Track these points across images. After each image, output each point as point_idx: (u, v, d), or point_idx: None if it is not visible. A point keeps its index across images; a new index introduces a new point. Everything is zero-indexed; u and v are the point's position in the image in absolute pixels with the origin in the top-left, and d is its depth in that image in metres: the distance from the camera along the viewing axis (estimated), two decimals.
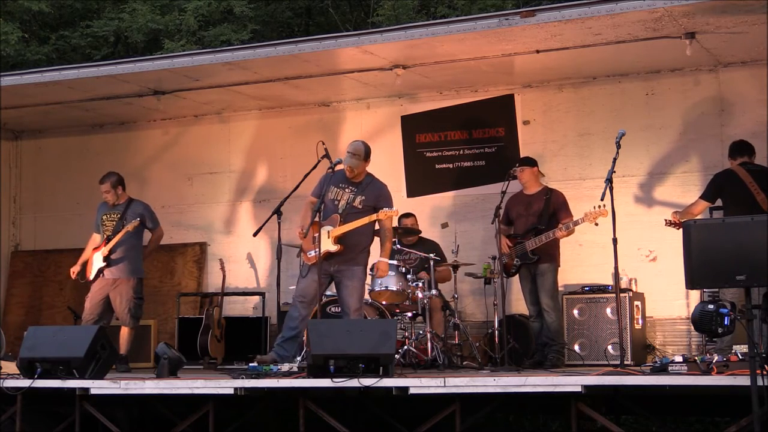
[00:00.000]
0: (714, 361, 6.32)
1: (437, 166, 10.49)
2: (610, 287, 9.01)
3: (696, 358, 6.57)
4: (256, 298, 10.72)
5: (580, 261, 9.55)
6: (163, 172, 11.52)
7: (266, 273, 10.90)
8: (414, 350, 8.67)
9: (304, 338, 7.69)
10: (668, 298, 9.34)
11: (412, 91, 10.40)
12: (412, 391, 6.84)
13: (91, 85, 9.97)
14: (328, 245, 7.87)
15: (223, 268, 10.52)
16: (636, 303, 9.11)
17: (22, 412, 7.67)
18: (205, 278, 11.23)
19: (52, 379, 7.58)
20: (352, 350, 6.89)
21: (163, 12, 16.06)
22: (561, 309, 9.02)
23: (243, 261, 11.08)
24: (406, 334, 8.77)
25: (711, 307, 6.11)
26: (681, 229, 6.49)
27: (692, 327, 6.53)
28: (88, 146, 11.88)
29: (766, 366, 5.87)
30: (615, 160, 7.36)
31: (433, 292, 8.86)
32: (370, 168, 8.25)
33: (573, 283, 9.45)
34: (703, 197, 8.24)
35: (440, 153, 10.49)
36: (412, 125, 10.59)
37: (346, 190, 8.09)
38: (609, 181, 7.26)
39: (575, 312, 9.14)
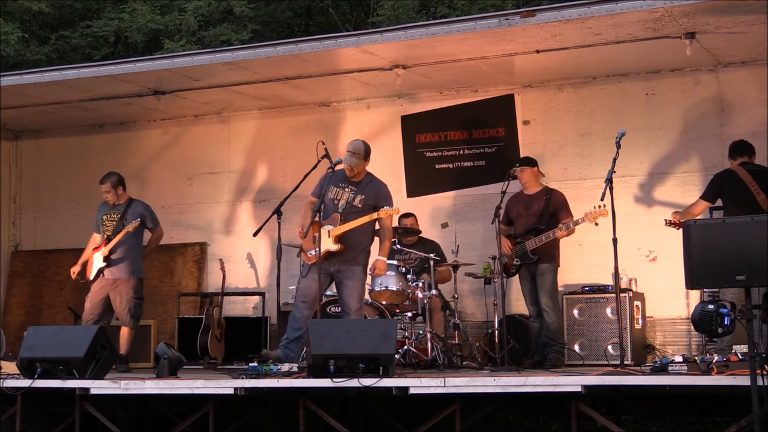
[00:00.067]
0: (714, 361, 6.32)
1: (437, 166, 10.49)
2: (610, 287, 9.01)
3: (696, 358, 6.56)
4: (256, 298, 10.72)
5: (580, 261, 9.55)
6: (163, 172, 11.52)
7: (266, 273, 10.90)
8: (414, 350, 8.66)
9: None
10: (668, 298, 9.34)
11: (412, 91, 10.40)
12: (412, 391, 6.84)
13: (91, 85, 9.97)
14: (328, 244, 7.88)
15: (223, 268, 10.52)
16: (636, 303, 9.11)
17: (22, 412, 7.67)
18: (205, 278, 11.23)
19: (52, 379, 7.57)
20: (352, 350, 6.89)
21: (163, 12, 16.06)
22: (561, 309, 9.02)
23: (243, 261, 11.08)
24: (406, 334, 8.77)
25: (711, 307, 6.11)
26: (681, 229, 6.49)
27: (692, 327, 6.53)
28: (88, 146, 11.88)
29: (766, 366, 5.87)
30: (615, 160, 7.36)
31: (433, 292, 8.85)
32: (370, 168, 8.25)
33: (573, 283, 9.46)
34: (703, 197, 8.24)
35: (440, 153, 10.49)
36: (412, 125, 10.59)
37: (346, 189, 8.10)
38: (609, 181, 7.26)
39: (575, 312, 9.14)
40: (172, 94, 10.35)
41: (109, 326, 9.03)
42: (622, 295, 8.65)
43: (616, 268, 7.34)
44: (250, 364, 7.57)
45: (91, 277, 9.13)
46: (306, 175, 8.42)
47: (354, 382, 6.77)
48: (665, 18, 8.00)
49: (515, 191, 9.04)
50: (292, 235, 9.02)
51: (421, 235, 9.61)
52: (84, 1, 16.82)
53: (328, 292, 8.57)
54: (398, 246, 9.14)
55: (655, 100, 9.70)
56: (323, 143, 8.23)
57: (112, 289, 9.04)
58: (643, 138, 9.57)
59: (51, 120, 11.50)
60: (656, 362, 6.71)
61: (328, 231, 7.92)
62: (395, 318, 8.76)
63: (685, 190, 9.40)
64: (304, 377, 7.12)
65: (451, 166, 10.44)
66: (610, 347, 8.81)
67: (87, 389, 7.52)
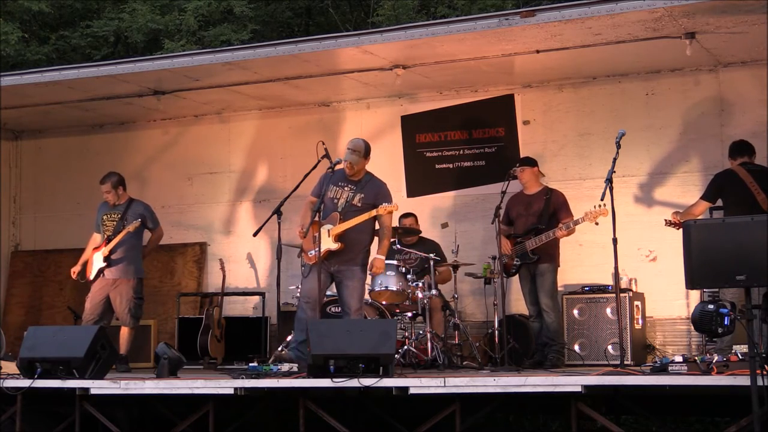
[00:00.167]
0: (714, 361, 6.32)
1: (437, 166, 10.48)
2: (610, 287, 9.01)
3: (696, 358, 6.57)
4: (256, 298, 10.72)
5: (580, 261, 9.55)
6: (163, 172, 11.52)
7: (266, 273, 10.90)
8: (414, 350, 8.66)
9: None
10: (668, 298, 9.34)
11: (412, 91, 10.40)
12: (412, 391, 6.84)
13: (91, 85, 9.97)
14: (328, 243, 7.88)
15: (223, 268, 10.52)
16: (636, 303, 9.11)
17: (22, 412, 7.67)
18: (205, 278, 11.23)
19: (52, 379, 7.58)
20: (352, 350, 6.89)
21: (163, 12, 16.05)
22: (561, 309, 9.02)
23: (243, 261, 11.08)
24: (406, 334, 8.77)
25: (711, 307, 6.11)
26: (681, 229, 6.49)
27: (692, 327, 6.53)
28: (88, 146, 11.88)
29: (766, 366, 5.87)
30: (615, 160, 7.37)
31: (433, 292, 8.85)
32: (371, 168, 8.25)
33: (573, 283, 9.45)
34: (703, 197, 8.23)
35: (440, 153, 10.49)
36: (412, 125, 10.59)
37: (346, 188, 8.10)
38: (609, 181, 7.26)
39: (575, 312, 9.13)
40: (172, 94, 10.34)
41: (109, 326, 9.03)
42: (622, 295, 8.65)
43: (616, 268, 7.34)
44: (250, 364, 7.57)
45: (91, 277, 9.13)
46: (306, 175, 8.41)
47: (354, 382, 6.77)
48: (665, 18, 8.00)
49: (515, 191, 9.04)
50: (292, 235, 9.02)
51: (421, 235, 9.60)
52: (84, 1, 16.82)
53: (328, 292, 8.56)
54: (398, 246, 9.14)
55: (655, 100, 9.70)
56: (323, 143, 8.23)
57: (112, 289, 9.04)
58: (643, 138, 9.57)
59: (51, 120, 11.50)
60: (656, 362, 6.71)
61: (328, 230, 7.92)
62: (395, 318, 8.76)
63: (685, 190, 9.40)
64: (304, 377, 7.12)
65: (451, 166, 10.44)
66: (610, 347, 8.80)
67: (87, 389, 7.52)
